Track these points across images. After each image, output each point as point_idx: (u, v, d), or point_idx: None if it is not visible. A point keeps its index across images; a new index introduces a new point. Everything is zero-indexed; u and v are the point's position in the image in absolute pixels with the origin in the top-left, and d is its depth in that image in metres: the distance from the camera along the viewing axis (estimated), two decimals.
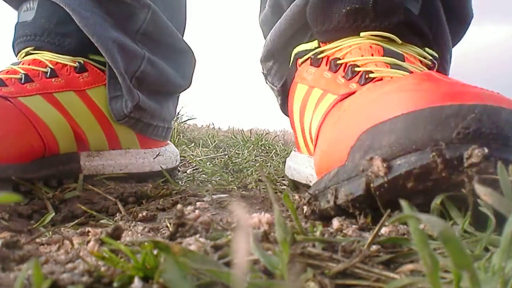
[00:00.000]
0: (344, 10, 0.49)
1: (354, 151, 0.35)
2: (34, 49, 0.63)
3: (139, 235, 0.34)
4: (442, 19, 0.52)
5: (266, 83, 0.65)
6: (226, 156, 0.96)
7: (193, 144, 1.29)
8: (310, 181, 0.55)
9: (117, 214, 0.46)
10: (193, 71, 0.76)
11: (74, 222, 0.44)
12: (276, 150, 1.12)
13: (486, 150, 0.29)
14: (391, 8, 0.48)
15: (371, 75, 0.45)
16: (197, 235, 0.30)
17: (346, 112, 0.41)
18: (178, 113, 1.63)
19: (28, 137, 0.55)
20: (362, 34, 0.48)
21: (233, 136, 1.46)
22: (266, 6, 0.63)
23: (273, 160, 0.97)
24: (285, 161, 0.72)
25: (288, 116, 0.62)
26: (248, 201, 0.54)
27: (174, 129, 1.37)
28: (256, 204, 0.53)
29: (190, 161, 0.91)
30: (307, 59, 0.53)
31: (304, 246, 0.25)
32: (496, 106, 0.31)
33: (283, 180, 0.70)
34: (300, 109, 0.54)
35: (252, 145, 1.23)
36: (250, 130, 1.68)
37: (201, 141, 1.34)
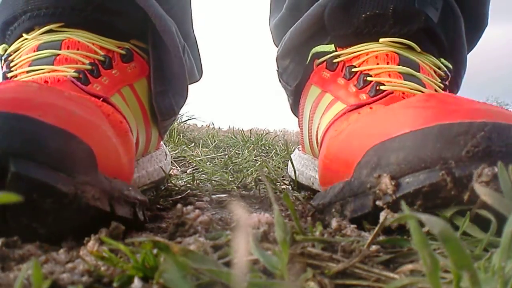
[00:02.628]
0: (363, 15, 0.48)
1: (360, 167, 0.35)
2: (63, 27, 0.47)
3: (139, 232, 0.34)
4: (460, 30, 0.51)
5: (280, 81, 0.62)
6: (226, 156, 0.96)
7: (193, 144, 1.29)
8: (313, 183, 0.54)
9: None
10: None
11: None
12: (276, 150, 1.12)
13: (496, 169, 0.28)
14: (411, 14, 0.47)
15: (382, 88, 0.45)
16: (197, 235, 0.30)
17: (352, 126, 0.41)
18: None
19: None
20: (381, 40, 0.47)
21: (233, 136, 1.46)
22: (283, 9, 0.60)
23: (273, 160, 0.97)
24: (284, 161, 0.72)
25: (297, 116, 0.60)
26: (247, 201, 0.54)
27: (174, 129, 1.37)
28: (256, 204, 0.53)
29: (190, 161, 0.91)
30: (324, 61, 0.52)
31: (303, 246, 0.25)
32: (506, 123, 0.31)
33: (283, 179, 0.70)
34: (311, 111, 0.53)
35: (252, 145, 1.23)
36: (250, 130, 1.67)
37: (201, 141, 1.34)
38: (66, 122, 0.32)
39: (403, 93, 0.44)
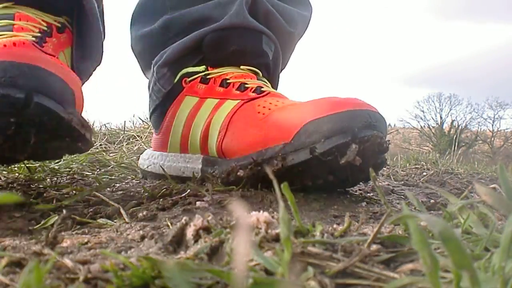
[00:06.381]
0: (231, 48, 0.71)
1: (300, 134, 0.55)
2: (14, 4, 0.61)
3: (140, 232, 0.34)
4: (278, 61, 0.77)
5: (155, 85, 0.75)
6: None
7: None
8: (183, 172, 0.69)
9: (117, 215, 0.46)
10: None
11: (76, 226, 0.44)
12: None
13: (374, 132, 0.55)
14: (259, 52, 0.72)
15: (263, 89, 0.67)
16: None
17: (279, 112, 0.60)
18: None
19: None
20: (242, 67, 0.71)
21: None
22: (155, 25, 0.77)
23: None
24: None
25: (156, 122, 0.77)
26: (248, 201, 0.54)
27: None
28: (256, 204, 0.53)
29: None
30: (197, 77, 0.71)
31: (304, 245, 0.25)
32: (375, 110, 0.58)
33: None
34: (188, 116, 0.70)
35: None
36: None
37: None
38: (59, 72, 0.47)
39: (275, 93, 0.67)
